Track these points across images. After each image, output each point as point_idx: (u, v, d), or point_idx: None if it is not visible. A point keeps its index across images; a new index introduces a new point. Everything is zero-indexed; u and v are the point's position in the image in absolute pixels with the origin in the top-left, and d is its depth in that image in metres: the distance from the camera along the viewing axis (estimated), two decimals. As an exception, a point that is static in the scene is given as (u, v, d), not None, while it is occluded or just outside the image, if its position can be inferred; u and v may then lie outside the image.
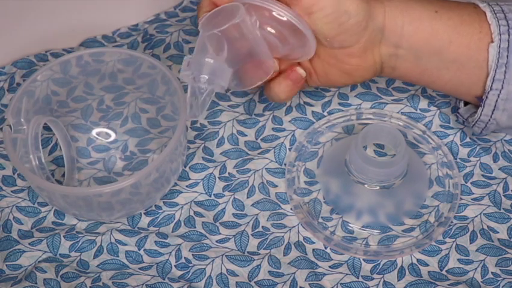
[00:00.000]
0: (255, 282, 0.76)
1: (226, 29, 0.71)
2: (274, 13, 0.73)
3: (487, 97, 0.76)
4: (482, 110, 0.77)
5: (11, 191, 0.81)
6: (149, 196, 0.77)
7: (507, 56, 0.74)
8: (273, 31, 0.74)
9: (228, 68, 0.73)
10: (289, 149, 0.83)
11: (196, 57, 0.72)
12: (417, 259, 0.77)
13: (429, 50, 0.76)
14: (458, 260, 0.77)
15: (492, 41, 0.75)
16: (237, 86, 0.76)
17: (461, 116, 0.82)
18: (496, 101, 0.76)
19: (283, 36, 0.74)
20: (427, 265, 0.77)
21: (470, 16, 0.75)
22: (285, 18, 0.73)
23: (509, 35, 0.74)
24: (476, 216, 0.79)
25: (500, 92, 0.75)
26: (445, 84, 0.79)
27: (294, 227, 0.79)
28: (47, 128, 0.84)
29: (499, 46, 0.74)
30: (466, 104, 0.82)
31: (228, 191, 0.81)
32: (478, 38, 0.75)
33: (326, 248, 0.78)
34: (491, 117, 0.77)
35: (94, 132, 0.84)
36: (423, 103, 0.85)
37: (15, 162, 0.74)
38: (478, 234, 0.78)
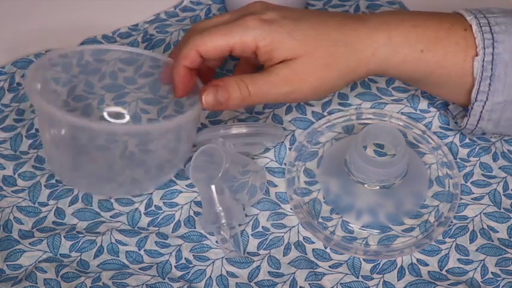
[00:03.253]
0: (255, 282, 0.76)
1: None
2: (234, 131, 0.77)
3: (472, 108, 0.77)
4: (468, 120, 0.79)
5: (12, 191, 0.81)
6: (154, 169, 0.77)
7: (491, 69, 0.75)
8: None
9: (237, 204, 0.77)
10: (289, 149, 0.83)
11: (208, 211, 0.77)
12: (417, 259, 0.77)
13: (414, 78, 0.78)
14: (458, 259, 0.77)
15: (477, 55, 0.76)
16: None
17: (450, 112, 0.83)
18: (481, 112, 0.77)
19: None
20: (427, 265, 0.77)
21: (457, 45, 0.76)
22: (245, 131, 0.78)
23: (493, 48, 0.75)
24: (476, 216, 0.79)
25: (485, 103, 0.77)
26: (428, 91, 0.82)
27: (294, 226, 0.79)
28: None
29: (483, 60, 0.75)
30: None
31: (228, 192, 0.81)
32: (461, 67, 0.76)
33: (325, 247, 0.78)
34: (476, 126, 0.79)
35: (105, 113, 0.83)
36: (423, 104, 0.85)
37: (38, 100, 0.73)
38: (478, 234, 0.78)
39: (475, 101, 0.77)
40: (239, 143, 0.79)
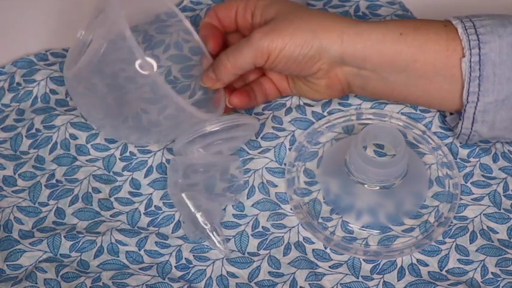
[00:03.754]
0: (255, 283, 0.76)
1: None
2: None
3: (464, 110, 0.78)
4: (462, 124, 0.79)
5: (12, 191, 0.81)
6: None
7: (479, 69, 0.76)
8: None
9: (213, 203, 0.78)
10: (289, 149, 0.83)
11: (187, 220, 0.78)
12: (417, 259, 0.77)
13: (393, 69, 0.78)
14: (458, 260, 0.77)
15: (464, 56, 0.76)
16: None
17: (448, 124, 0.84)
18: (474, 113, 0.78)
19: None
20: (427, 265, 0.77)
21: (436, 34, 0.77)
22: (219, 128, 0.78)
23: (479, 49, 0.76)
24: (476, 217, 0.79)
25: (476, 104, 0.77)
26: (417, 99, 0.81)
27: (294, 227, 0.79)
28: (47, 127, 0.84)
29: (470, 60, 0.76)
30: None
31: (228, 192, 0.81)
32: (445, 55, 0.77)
33: (325, 248, 0.78)
34: (471, 129, 0.79)
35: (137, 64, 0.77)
36: (423, 104, 0.85)
37: None
38: (478, 235, 0.78)
39: (467, 102, 0.77)
40: (217, 141, 0.79)
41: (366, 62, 0.78)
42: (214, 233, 0.77)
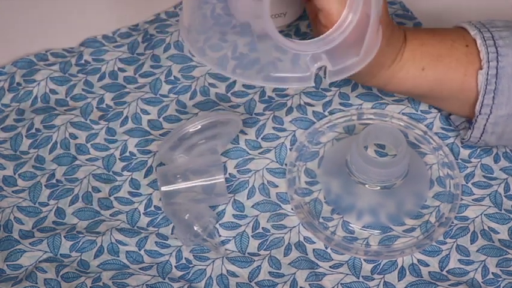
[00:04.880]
0: (255, 282, 0.76)
1: None
2: None
3: (475, 121, 0.78)
4: (471, 133, 0.79)
5: (12, 191, 0.81)
6: None
7: (495, 83, 0.76)
8: None
9: (201, 203, 0.78)
10: (290, 149, 0.83)
11: (178, 224, 0.78)
12: (417, 259, 0.77)
13: (412, 94, 0.81)
14: (459, 260, 0.77)
15: (481, 68, 0.76)
16: None
17: (452, 122, 0.84)
18: (485, 125, 0.78)
19: None
20: (428, 265, 0.77)
21: (458, 62, 0.77)
22: None
23: (497, 62, 0.76)
24: (476, 217, 0.79)
25: (488, 116, 0.77)
26: (435, 105, 0.83)
27: (294, 227, 0.79)
28: (47, 126, 0.84)
29: (487, 73, 0.76)
30: None
31: (228, 193, 0.81)
32: (462, 81, 0.77)
33: (326, 248, 0.78)
34: (480, 138, 0.79)
35: None
36: (424, 104, 0.85)
37: None
38: (479, 235, 0.78)
39: (479, 114, 0.77)
40: (200, 141, 0.79)
41: (385, 88, 0.79)
42: (206, 234, 0.77)
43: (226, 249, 0.77)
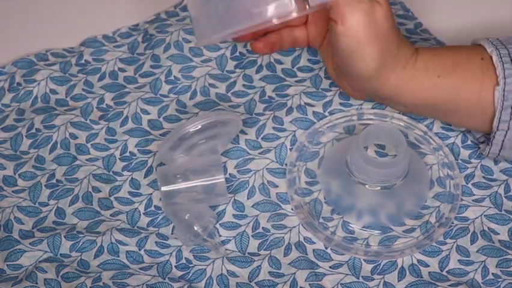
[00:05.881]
0: (255, 282, 0.76)
1: None
2: None
3: (494, 137, 0.78)
4: (490, 149, 0.79)
5: (12, 191, 0.81)
6: None
7: None
8: None
9: (201, 203, 0.78)
10: (290, 149, 0.83)
11: (178, 224, 0.78)
12: (417, 260, 0.77)
13: (424, 107, 0.79)
14: (459, 260, 0.77)
15: (498, 84, 0.76)
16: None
17: (472, 134, 0.83)
18: (503, 141, 0.78)
19: None
20: (428, 266, 0.77)
21: (473, 75, 0.77)
22: None
23: None
24: (477, 218, 0.79)
25: (506, 132, 0.77)
26: (453, 124, 0.83)
27: (294, 227, 0.79)
28: (47, 126, 0.84)
29: (504, 89, 0.75)
30: None
31: (229, 193, 0.81)
32: (479, 95, 0.77)
33: (326, 248, 0.78)
34: (498, 154, 0.79)
35: None
36: (424, 104, 0.85)
37: None
38: (479, 235, 0.78)
39: (497, 130, 0.77)
40: (201, 140, 0.79)
41: (399, 98, 0.78)
42: (206, 234, 0.77)
43: (226, 249, 0.78)
